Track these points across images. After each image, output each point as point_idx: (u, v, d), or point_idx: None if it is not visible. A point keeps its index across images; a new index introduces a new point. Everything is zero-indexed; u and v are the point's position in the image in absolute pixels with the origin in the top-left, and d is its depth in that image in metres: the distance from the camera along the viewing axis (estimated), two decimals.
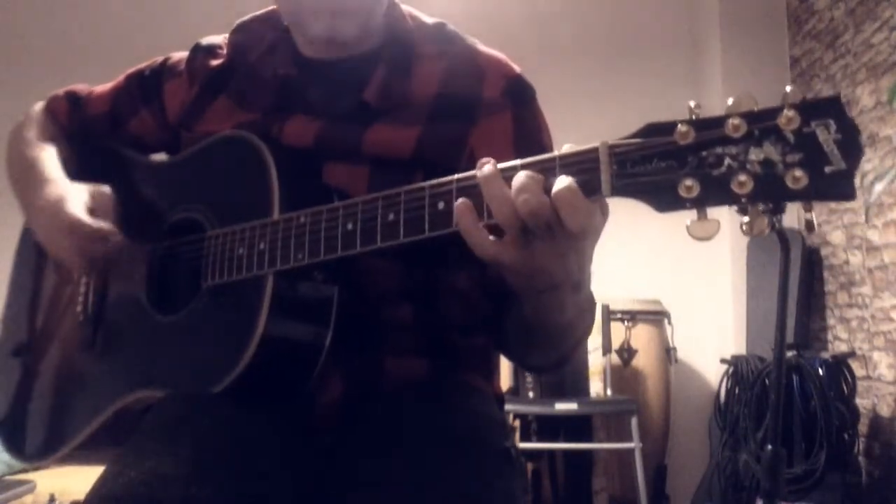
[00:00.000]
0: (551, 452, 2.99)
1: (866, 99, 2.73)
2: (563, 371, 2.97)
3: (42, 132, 1.09)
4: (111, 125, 1.10)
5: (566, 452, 2.99)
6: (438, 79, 0.94)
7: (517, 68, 0.95)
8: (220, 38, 1.05)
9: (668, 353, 3.12)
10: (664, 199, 0.61)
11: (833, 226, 2.99)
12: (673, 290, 3.28)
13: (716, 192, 0.59)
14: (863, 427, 2.64)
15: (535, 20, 3.61)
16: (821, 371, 2.53)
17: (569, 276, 0.70)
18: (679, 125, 0.60)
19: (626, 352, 3.05)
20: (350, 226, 0.75)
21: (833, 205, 2.98)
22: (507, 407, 1.02)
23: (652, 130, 0.62)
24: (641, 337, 3.08)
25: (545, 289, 0.72)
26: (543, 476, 3.01)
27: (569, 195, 0.63)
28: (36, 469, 3.16)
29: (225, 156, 0.93)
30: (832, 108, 0.57)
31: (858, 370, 2.69)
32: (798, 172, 0.56)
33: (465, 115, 0.92)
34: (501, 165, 0.67)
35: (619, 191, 0.62)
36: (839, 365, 2.58)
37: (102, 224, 0.90)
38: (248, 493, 0.74)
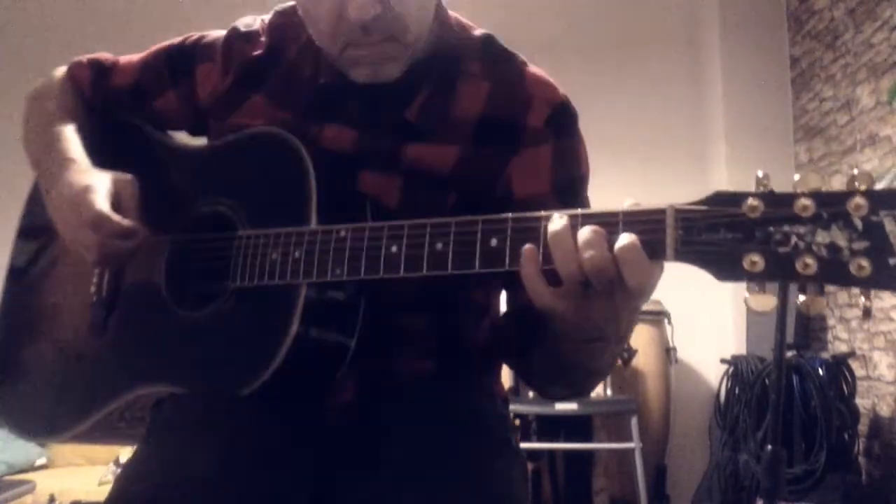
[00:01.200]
0: (551, 452, 2.99)
1: (866, 99, 2.73)
2: None
3: (63, 104, 1.04)
4: (134, 100, 1.05)
5: (566, 452, 2.99)
6: (483, 100, 0.91)
7: (562, 93, 0.93)
8: (257, 23, 1.00)
9: (668, 353, 3.12)
10: (726, 269, 0.61)
11: None
12: (673, 290, 3.26)
13: (780, 269, 0.59)
14: (863, 427, 2.64)
15: (533, 19, 3.61)
16: (821, 371, 2.53)
17: (617, 331, 0.71)
18: (749, 198, 0.61)
19: (626, 352, 3.05)
20: (394, 248, 0.73)
21: None
22: (509, 407, 1.03)
23: (721, 200, 0.62)
24: (641, 337, 3.08)
25: (591, 339, 0.72)
26: (543, 476, 3.01)
27: (633, 254, 0.63)
28: (36, 469, 3.16)
29: (261, 152, 0.89)
30: None
31: (858, 370, 2.69)
32: (863, 262, 0.57)
33: (507, 142, 0.90)
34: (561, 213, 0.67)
35: (681, 256, 0.62)
36: (839, 365, 2.58)
37: (128, 221, 0.87)
38: (273, 493, 0.74)
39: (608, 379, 2.95)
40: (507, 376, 2.83)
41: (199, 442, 0.76)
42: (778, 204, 0.60)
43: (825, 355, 2.68)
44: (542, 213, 0.68)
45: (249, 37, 0.99)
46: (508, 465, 0.84)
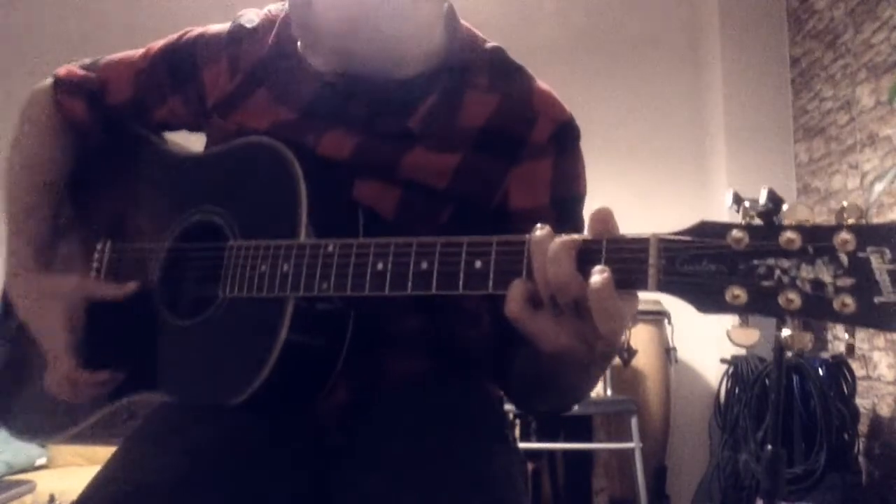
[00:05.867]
0: (551, 452, 2.99)
1: (866, 99, 2.73)
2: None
3: (49, 145, 1.04)
4: (135, 113, 1.03)
5: (566, 452, 2.99)
6: (488, 113, 0.91)
7: (568, 110, 0.93)
8: (259, 18, 0.98)
9: (668, 353, 3.12)
10: (708, 301, 0.59)
11: None
12: None
13: (763, 303, 0.58)
14: (863, 427, 2.64)
15: (533, 19, 3.61)
16: (821, 371, 2.53)
17: (593, 357, 0.68)
18: (734, 229, 0.59)
19: (626, 352, 3.05)
20: (380, 266, 0.73)
21: (832, 204, 2.98)
22: (508, 407, 1.03)
23: (704, 230, 0.61)
24: (641, 337, 3.08)
25: (571, 363, 0.70)
26: (543, 476, 3.01)
27: (604, 293, 0.61)
28: (36, 469, 3.16)
29: (254, 162, 0.89)
30: (890, 236, 0.56)
31: (858, 370, 2.69)
32: (847, 299, 0.55)
33: (508, 153, 0.90)
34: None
35: (663, 287, 0.61)
36: (839, 365, 2.58)
37: (102, 375, 0.92)
38: (247, 497, 0.75)
39: (608, 379, 2.95)
40: None
41: (164, 451, 0.76)
42: (763, 236, 0.58)
43: (825, 355, 2.68)
44: (527, 235, 0.66)
45: (255, 34, 0.97)
46: (507, 463, 0.84)
